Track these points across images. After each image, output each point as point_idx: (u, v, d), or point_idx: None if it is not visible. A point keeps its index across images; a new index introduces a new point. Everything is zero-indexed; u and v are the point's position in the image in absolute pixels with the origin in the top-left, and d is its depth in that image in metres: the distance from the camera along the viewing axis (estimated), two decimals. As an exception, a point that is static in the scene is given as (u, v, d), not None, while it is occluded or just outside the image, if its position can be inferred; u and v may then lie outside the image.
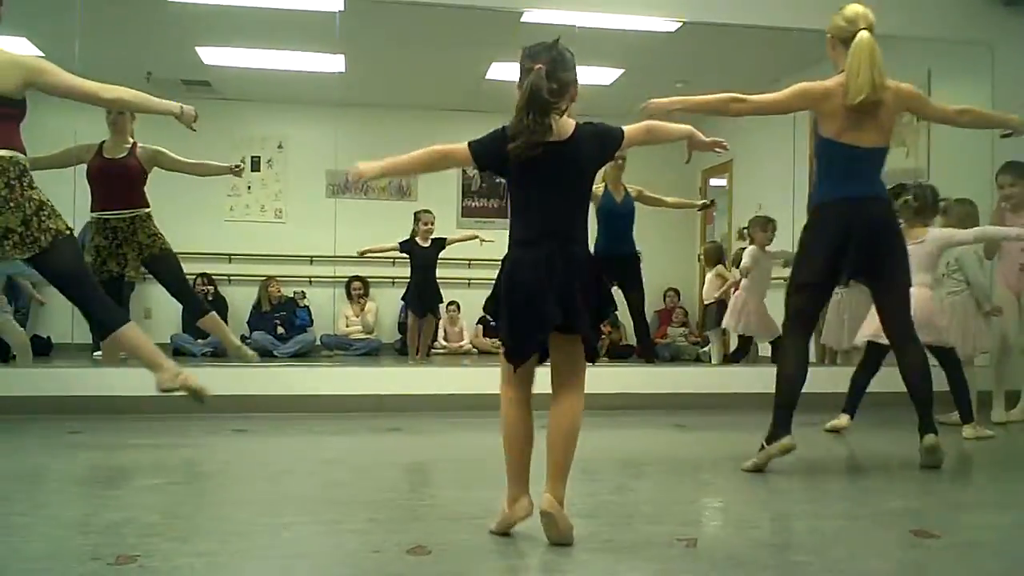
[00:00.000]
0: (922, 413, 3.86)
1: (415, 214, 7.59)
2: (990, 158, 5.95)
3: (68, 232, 3.91)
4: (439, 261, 7.47)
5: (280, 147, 9.33)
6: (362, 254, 7.80)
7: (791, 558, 2.53)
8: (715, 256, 8.06)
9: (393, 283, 8.86)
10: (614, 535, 2.73)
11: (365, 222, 8.43)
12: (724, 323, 6.95)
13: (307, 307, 8.98)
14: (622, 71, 8.15)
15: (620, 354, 8.67)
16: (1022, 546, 2.73)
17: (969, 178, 6.09)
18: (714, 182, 9.55)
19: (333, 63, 7.44)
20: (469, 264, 8.27)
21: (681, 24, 6.36)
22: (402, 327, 8.89)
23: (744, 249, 6.85)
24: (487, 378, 5.70)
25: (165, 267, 5.27)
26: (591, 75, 8.43)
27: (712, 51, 7.15)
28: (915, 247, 4.33)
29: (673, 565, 2.42)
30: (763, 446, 3.75)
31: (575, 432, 2.62)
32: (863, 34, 3.66)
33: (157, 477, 3.57)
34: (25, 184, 3.80)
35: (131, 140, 5.32)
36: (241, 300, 8.94)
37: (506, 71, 8.18)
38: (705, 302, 7.98)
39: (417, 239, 7.46)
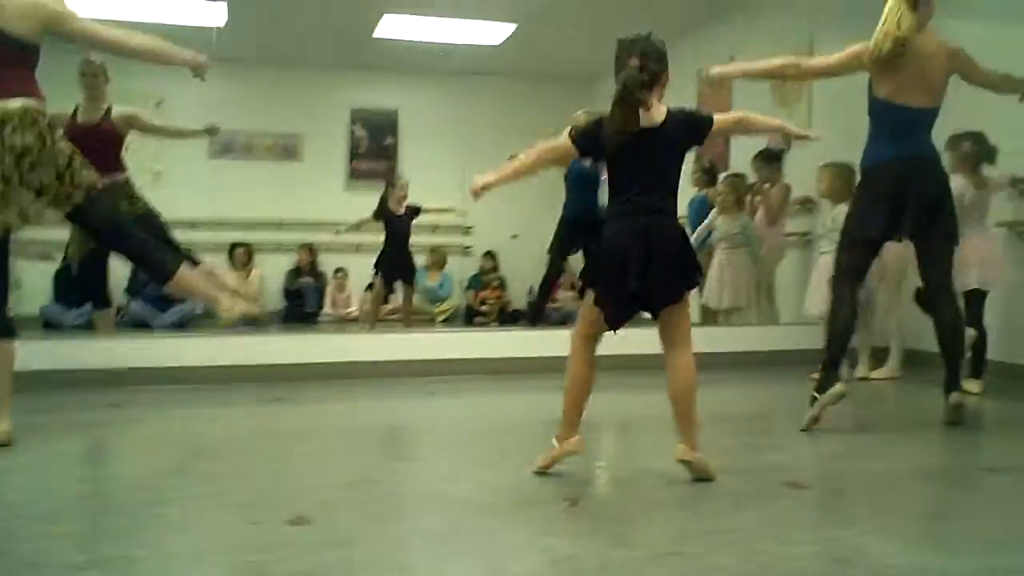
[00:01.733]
0: (949, 369, 3.91)
1: (389, 181, 7.43)
2: (866, 120, 6.16)
3: (95, 185, 3.58)
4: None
5: (159, 105, 8.93)
6: (340, 232, 7.72)
7: (671, 513, 2.59)
8: None
9: (279, 248, 8.65)
10: (500, 496, 2.73)
11: (249, 185, 8.19)
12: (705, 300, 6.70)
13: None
14: (515, 26, 8.07)
15: (508, 318, 8.72)
16: (889, 492, 2.86)
17: (847, 139, 6.29)
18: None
19: (214, 15, 7.13)
20: (359, 227, 8.12)
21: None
22: (288, 294, 8.72)
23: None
24: (376, 345, 5.71)
25: (148, 229, 4.92)
26: (478, 33, 8.36)
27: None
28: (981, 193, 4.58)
29: (554, 525, 2.44)
30: (814, 398, 3.82)
31: (694, 384, 2.89)
32: None
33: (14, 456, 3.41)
34: (56, 136, 3.49)
35: (105, 104, 5.19)
36: (117, 267, 8.55)
37: (398, 25, 8.02)
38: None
39: (391, 206, 7.31)
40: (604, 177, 6.54)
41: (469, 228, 8.96)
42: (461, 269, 9.11)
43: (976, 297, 4.75)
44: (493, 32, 8.24)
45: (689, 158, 7.30)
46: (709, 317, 6.75)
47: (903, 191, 3.80)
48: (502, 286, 9.02)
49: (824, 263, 5.37)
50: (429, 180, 7.51)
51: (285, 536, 2.32)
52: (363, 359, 5.41)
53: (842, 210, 5.30)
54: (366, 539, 2.31)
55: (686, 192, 7.19)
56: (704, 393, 3.04)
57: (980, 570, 2.08)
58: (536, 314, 7.10)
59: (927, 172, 3.87)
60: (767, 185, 6.34)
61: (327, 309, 8.66)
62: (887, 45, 3.72)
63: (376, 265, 7.67)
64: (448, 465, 3.28)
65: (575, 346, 3.02)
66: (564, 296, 9.14)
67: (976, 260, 4.64)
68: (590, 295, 2.94)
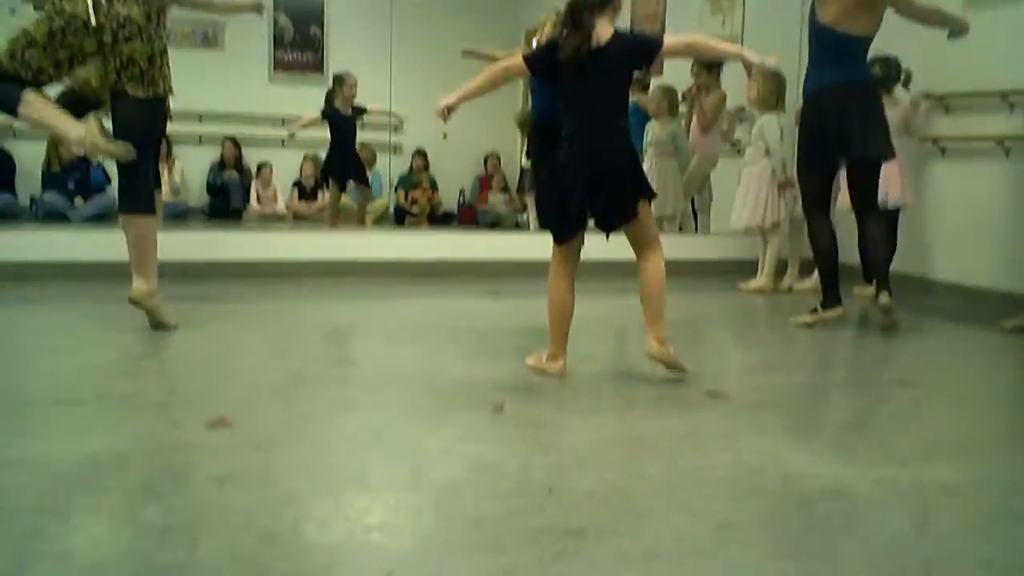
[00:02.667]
0: (877, 276, 4.26)
1: (336, 77, 7.15)
2: (799, 28, 6.15)
3: (167, 94, 3.66)
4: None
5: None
6: (292, 135, 7.48)
7: (594, 420, 2.62)
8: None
9: (200, 140, 8.35)
10: (424, 402, 2.73)
11: (168, 74, 7.82)
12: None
13: (102, 166, 8.28)
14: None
15: (438, 220, 8.64)
16: (805, 404, 2.95)
17: (781, 46, 6.27)
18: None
19: None
20: (283, 122, 7.87)
21: None
22: (211, 188, 8.47)
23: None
24: (303, 244, 5.61)
25: None
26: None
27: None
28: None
29: (478, 431, 2.45)
30: (816, 309, 4.26)
31: (662, 283, 3.05)
32: None
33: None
34: (162, 22, 3.58)
35: None
36: (29, 158, 8.16)
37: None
38: (523, 166, 7.97)
39: (338, 105, 7.04)
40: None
41: (398, 126, 8.76)
42: (390, 168, 8.94)
43: (888, 214, 4.96)
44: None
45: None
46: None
47: (844, 116, 4.01)
48: (433, 187, 8.90)
49: (749, 175, 5.41)
50: (358, 74, 7.25)
51: (205, 438, 2.29)
52: (291, 257, 5.31)
53: (769, 119, 5.36)
54: (288, 442, 2.29)
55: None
56: (631, 302, 3.07)
57: (885, 479, 2.16)
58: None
59: (864, 96, 4.10)
60: (703, 92, 6.30)
61: (253, 205, 8.43)
62: None
63: (325, 170, 7.51)
64: (374, 369, 3.27)
65: (552, 270, 3.14)
66: (495, 199, 9.09)
67: (884, 180, 4.76)
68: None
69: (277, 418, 2.53)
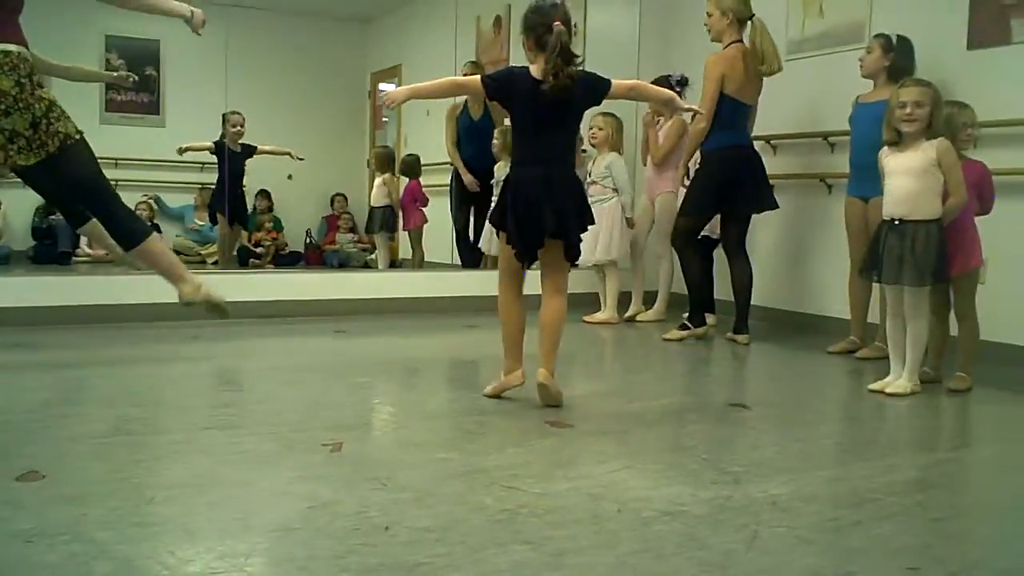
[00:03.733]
0: (739, 313, 4.92)
1: (223, 116, 6.94)
2: (635, 73, 6.38)
3: (79, 136, 3.49)
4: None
5: None
6: (182, 151, 7.22)
7: (435, 455, 2.57)
8: (385, 161, 7.98)
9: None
10: (258, 444, 2.62)
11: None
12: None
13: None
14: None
15: (284, 261, 8.45)
16: (645, 429, 2.99)
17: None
18: (383, 87, 9.43)
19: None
20: (116, 164, 7.52)
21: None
22: (37, 232, 7.98)
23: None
24: (137, 288, 5.33)
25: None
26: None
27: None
28: None
29: (314, 471, 2.36)
30: (685, 325, 4.94)
31: (561, 321, 3.25)
32: (760, 18, 4.80)
33: None
34: (35, 82, 3.40)
35: None
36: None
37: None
38: (373, 206, 7.90)
39: (227, 141, 6.87)
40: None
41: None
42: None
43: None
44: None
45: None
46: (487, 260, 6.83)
47: (737, 173, 4.77)
48: (277, 227, 8.71)
49: (598, 212, 5.50)
50: (194, 116, 7.06)
51: (12, 493, 2.11)
52: (123, 301, 5.04)
53: (617, 159, 5.52)
54: (104, 493, 2.14)
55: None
56: (480, 334, 3.05)
57: (719, 497, 2.21)
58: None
59: (754, 157, 4.88)
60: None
61: (83, 248, 7.97)
62: (775, 66, 4.77)
63: (211, 204, 7.37)
64: (206, 413, 3.12)
65: (500, 284, 3.31)
66: (343, 238, 8.97)
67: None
68: (503, 236, 3.24)
69: (95, 468, 2.37)
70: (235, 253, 7.96)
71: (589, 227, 3.26)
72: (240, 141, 7.10)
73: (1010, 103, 4.25)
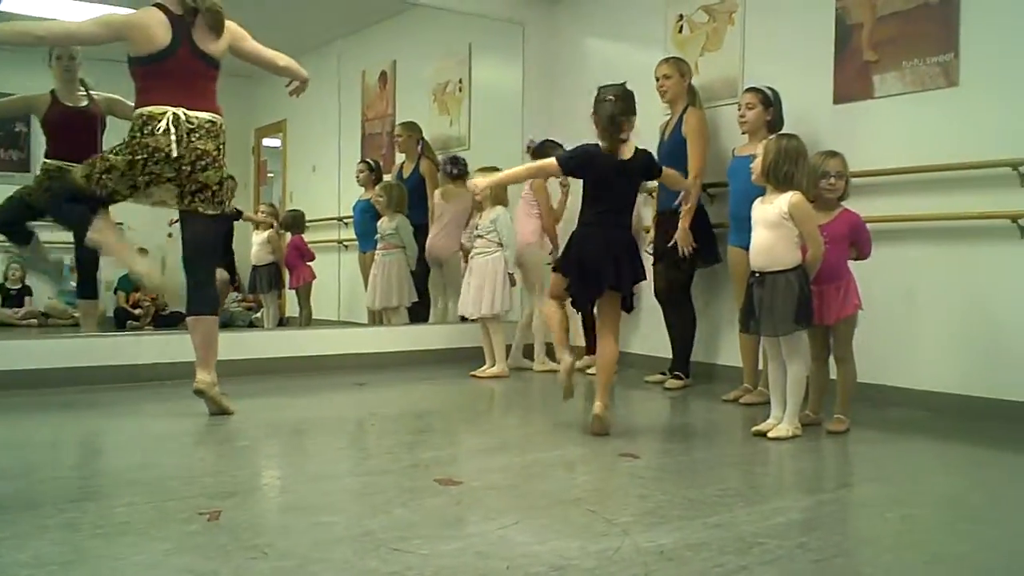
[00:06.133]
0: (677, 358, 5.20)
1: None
2: (519, 131, 6.47)
3: (234, 212, 4.43)
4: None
5: None
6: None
7: (319, 519, 2.48)
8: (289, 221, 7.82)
9: None
10: (131, 515, 2.48)
11: None
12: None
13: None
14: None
15: (165, 322, 8.16)
16: (534, 483, 2.97)
17: (502, 146, 6.57)
18: (268, 142, 9.31)
19: None
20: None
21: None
22: None
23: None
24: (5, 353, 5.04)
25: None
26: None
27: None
28: None
29: (190, 542, 2.25)
30: (680, 376, 5.13)
31: (615, 361, 3.84)
32: None
33: None
34: (224, 151, 4.04)
35: (83, 87, 5.28)
36: None
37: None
38: (256, 264, 7.73)
39: None
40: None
41: (119, 224, 8.23)
42: (108, 270, 8.34)
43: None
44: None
45: (354, 156, 7.33)
46: (374, 317, 6.78)
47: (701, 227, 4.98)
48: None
49: (482, 265, 5.53)
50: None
51: None
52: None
53: (504, 213, 5.55)
54: (-43, 577, 1.98)
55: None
56: (370, 395, 2.99)
57: (608, 549, 2.19)
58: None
59: (671, 219, 4.95)
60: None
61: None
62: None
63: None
64: (77, 483, 2.94)
65: (547, 299, 4.08)
66: (228, 298, 8.71)
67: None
68: (559, 277, 3.86)
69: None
70: (111, 315, 7.65)
71: (641, 280, 3.82)
72: None
73: (873, 155, 4.47)
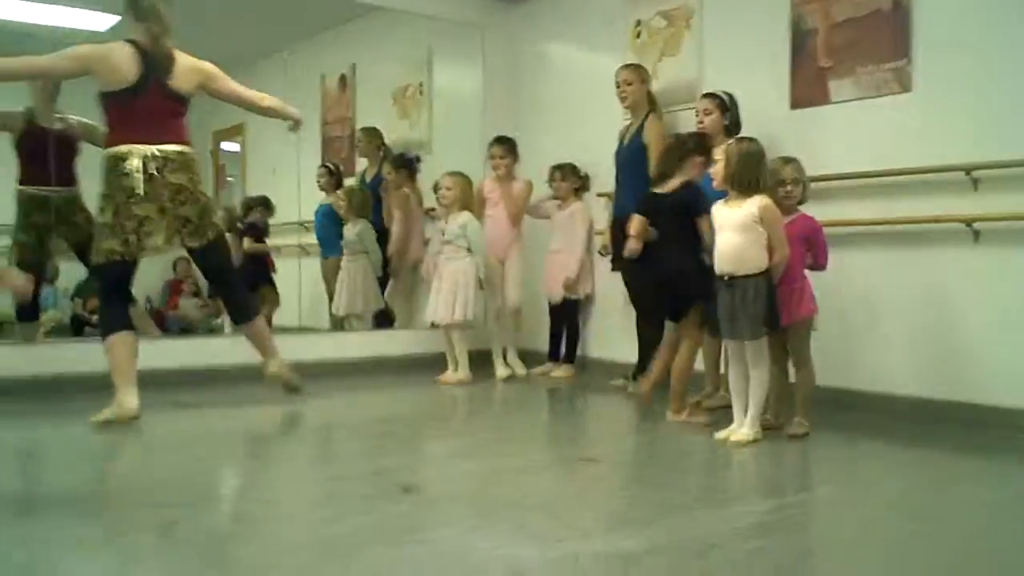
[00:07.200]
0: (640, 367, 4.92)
1: None
2: (478, 136, 6.46)
3: (223, 230, 4.37)
4: None
5: None
6: None
7: (277, 528, 2.46)
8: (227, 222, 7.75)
9: None
10: (83, 528, 2.43)
11: None
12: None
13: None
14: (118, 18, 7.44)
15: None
16: (494, 488, 2.95)
17: (465, 150, 6.56)
18: (226, 146, 9.19)
19: None
20: None
21: None
22: None
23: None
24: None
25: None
26: (83, 19, 7.60)
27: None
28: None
29: (144, 554, 2.21)
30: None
31: (687, 367, 4.09)
32: None
33: None
34: (200, 178, 4.12)
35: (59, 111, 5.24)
36: None
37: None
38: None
39: None
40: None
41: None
42: (67, 277, 8.20)
43: (568, 304, 5.75)
44: (97, 20, 7.51)
45: (315, 161, 7.24)
46: (337, 323, 6.73)
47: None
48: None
49: (452, 272, 5.49)
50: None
51: None
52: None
53: (472, 219, 5.51)
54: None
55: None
56: (332, 401, 2.96)
57: (567, 554, 2.19)
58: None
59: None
60: (404, 189, 6.39)
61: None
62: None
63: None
64: (25, 496, 2.88)
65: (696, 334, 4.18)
66: (187, 303, 8.61)
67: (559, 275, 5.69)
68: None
69: None
70: (68, 322, 7.52)
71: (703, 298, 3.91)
72: None
73: (829, 159, 4.52)
